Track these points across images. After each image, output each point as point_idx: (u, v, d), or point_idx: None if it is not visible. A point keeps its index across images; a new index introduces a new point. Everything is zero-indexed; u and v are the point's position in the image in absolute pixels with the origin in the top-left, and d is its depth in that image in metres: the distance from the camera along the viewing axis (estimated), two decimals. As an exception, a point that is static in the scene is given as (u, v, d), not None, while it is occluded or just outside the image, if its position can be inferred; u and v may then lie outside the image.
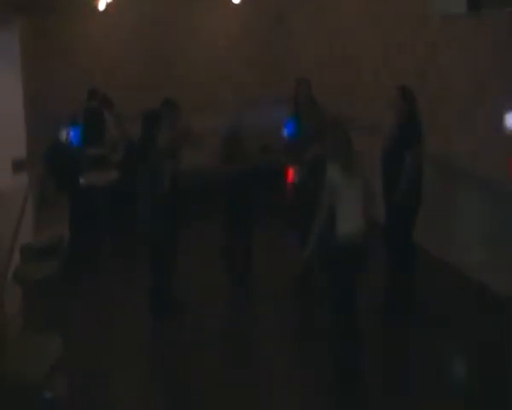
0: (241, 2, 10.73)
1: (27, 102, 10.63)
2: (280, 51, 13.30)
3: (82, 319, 7.83)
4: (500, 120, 7.64)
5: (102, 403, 6.28)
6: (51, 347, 5.74)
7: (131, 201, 10.03)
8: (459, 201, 8.48)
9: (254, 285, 8.50)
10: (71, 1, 10.67)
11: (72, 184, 9.79)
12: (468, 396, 6.09)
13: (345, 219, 6.02)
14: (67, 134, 10.78)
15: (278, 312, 7.82)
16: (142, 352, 7.22)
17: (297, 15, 13.09)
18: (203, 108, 12.30)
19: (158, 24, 12.86)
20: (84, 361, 6.88)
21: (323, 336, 6.82)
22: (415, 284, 7.56)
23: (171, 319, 7.56)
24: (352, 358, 6.29)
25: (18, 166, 9.40)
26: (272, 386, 6.43)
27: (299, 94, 8.23)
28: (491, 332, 7.06)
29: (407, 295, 7.50)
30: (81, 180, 9.67)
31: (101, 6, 11.32)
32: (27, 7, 10.34)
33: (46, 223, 9.64)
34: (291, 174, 8.33)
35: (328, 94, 10.11)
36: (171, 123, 7.45)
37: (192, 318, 7.68)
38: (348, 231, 6.02)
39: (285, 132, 9.02)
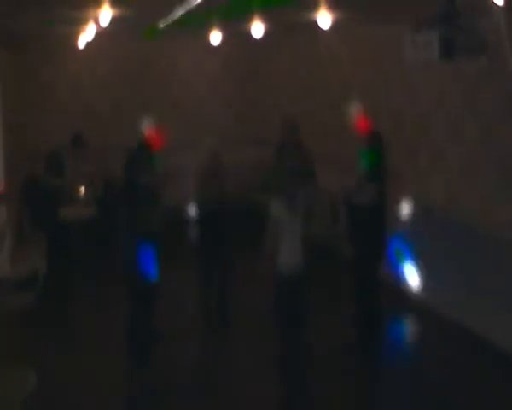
0: (221, 44, 10.91)
1: (5, 137, 10.69)
2: (257, 92, 13.50)
3: (55, 352, 7.78)
4: (475, 161, 7.91)
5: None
6: (24, 381, 5.74)
7: (108, 236, 10.17)
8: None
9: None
10: (51, 38, 10.77)
11: (49, 219, 9.79)
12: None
13: (285, 250, 6.39)
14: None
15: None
16: (114, 388, 7.18)
17: (275, 57, 13.33)
18: (180, 148, 12.43)
19: (137, 63, 13.05)
20: (56, 396, 6.86)
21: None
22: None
23: (147, 351, 7.55)
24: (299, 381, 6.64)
25: (-4, 198, 9.44)
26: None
27: (285, 134, 8.42)
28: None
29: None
30: (58, 215, 9.67)
31: (82, 44, 11.43)
32: (7, 43, 10.45)
33: (23, 256, 9.63)
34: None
35: (306, 134, 10.27)
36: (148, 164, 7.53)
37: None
38: (286, 262, 6.41)
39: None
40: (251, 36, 9.22)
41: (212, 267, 8.21)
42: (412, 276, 8.64)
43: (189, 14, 7.00)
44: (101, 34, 9.16)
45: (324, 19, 7.87)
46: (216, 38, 10.44)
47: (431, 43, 7.11)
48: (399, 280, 8.83)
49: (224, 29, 9.85)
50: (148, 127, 7.64)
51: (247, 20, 8.41)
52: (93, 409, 6.80)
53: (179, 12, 6.87)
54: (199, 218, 8.19)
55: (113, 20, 7.43)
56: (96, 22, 7.81)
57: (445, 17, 7.28)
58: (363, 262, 7.51)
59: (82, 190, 10.35)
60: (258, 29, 8.87)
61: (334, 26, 8.45)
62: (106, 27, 7.86)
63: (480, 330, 7.71)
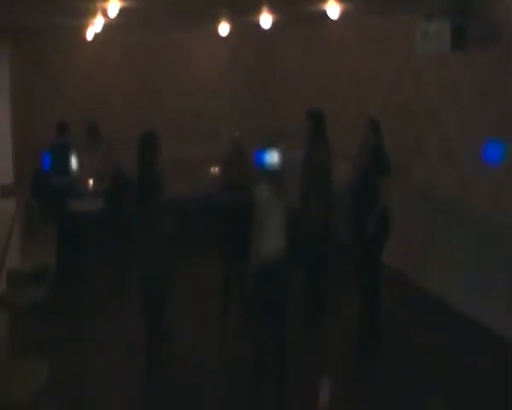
0: (229, 35, 10.89)
1: (15, 129, 10.70)
2: (266, 84, 13.47)
3: (67, 346, 7.81)
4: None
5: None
6: (36, 373, 5.75)
7: (117, 229, 10.16)
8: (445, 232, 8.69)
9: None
10: (59, 30, 10.76)
11: (58, 211, 9.80)
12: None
13: (267, 237, 6.46)
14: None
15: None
16: (128, 380, 7.21)
17: (285, 48, 13.29)
18: (189, 138, 12.47)
19: (146, 54, 13.02)
20: (68, 388, 6.90)
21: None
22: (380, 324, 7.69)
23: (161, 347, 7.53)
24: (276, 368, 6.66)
25: (6, 191, 9.45)
26: None
27: (310, 127, 8.22)
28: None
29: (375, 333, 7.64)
30: (67, 207, 9.68)
31: (90, 36, 11.42)
32: (15, 34, 10.45)
33: (33, 249, 9.67)
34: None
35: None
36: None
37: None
38: (267, 249, 6.46)
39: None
40: (260, 27, 9.21)
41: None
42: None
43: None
44: (110, 26, 9.16)
45: (333, 9, 7.85)
46: (224, 29, 10.43)
47: (442, 34, 7.07)
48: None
49: (232, 20, 9.84)
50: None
51: (256, 10, 8.40)
52: (105, 401, 6.83)
53: None
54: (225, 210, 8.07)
55: (122, 12, 7.42)
56: (105, 14, 7.79)
57: (457, 7, 7.23)
58: (364, 249, 7.51)
59: (91, 182, 10.34)
60: (266, 20, 8.85)
61: (344, 16, 8.44)
62: (114, 19, 7.86)
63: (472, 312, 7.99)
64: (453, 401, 6.56)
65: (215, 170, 9.92)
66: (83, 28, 10.36)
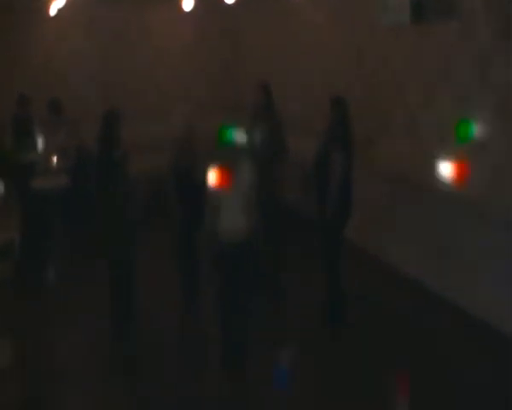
0: (193, 10, 10.84)
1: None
2: (230, 59, 13.46)
3: (32, 322, 7.80)
4: (448, 127, 7.99)
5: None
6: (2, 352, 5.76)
7: (81, 206, 10.10)
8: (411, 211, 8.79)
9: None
10: (22, 5, 10.61)
11: (21, 188, 9.72)
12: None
13: (224, 217, 6.47)
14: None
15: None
16: (95, 353, 7.26)
17: (248, 24, 13.26)
18: (152, 115, 12.40)
19: (109, 30, 12.89)
20: (35, 364, 6.91)
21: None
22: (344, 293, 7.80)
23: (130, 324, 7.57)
24: (238, 347, 6.73)
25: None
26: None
27: (257, 98, 8.38)
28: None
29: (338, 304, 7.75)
30: (31, 184, 9.61)
31: (52, 11, 11.30)
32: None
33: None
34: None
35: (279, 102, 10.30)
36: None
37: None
38: (229, 227, 6.48)
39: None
40: (224, 2, 9.19)
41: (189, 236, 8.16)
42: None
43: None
44: (72, 1, 9.06)
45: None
46: (188, 4, 10.38)
47: (402, 7, 7.14)
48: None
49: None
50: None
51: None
52: (72, 377, 6.85)
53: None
54: (175, 187, 8.04)
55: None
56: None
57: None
58: (329, 225, 7.55)
59: (54, 159, 10.25)
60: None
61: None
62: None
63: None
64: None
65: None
66: (45, 4, 10.22)
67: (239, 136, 6.59)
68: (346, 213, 7.59)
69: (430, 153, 8.33)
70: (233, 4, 9.53)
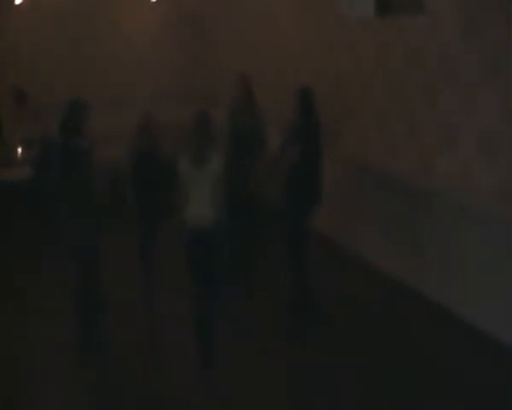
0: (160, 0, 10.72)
1: None
2: (197, 50, 13.34)
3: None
4: (415, 119, 8.01)
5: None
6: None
7: (44, 198, 9.96)
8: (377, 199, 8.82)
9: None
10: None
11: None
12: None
13: (190, 204, 6.56)
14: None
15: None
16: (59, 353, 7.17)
17: (215, 14, 13.16)
18: (119, 105, 12.25)
19: (77, 18, 12.69)
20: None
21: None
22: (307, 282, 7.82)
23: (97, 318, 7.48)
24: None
25: None
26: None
27: (237, 92, 8.35)
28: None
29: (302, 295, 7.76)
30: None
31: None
32: None
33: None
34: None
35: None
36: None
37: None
38: (190, 215, 6.56)
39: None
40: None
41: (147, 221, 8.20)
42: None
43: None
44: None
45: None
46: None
47: (366, 0, 7.12)
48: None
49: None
50: None
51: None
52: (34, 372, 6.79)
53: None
54: (133, 172, 8.04)
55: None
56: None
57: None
58: (294, 217, 7.58)
59: (19, 150, 10.10)
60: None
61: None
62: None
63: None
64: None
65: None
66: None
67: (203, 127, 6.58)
68: (310, 203, 7.60)
69: (397, 141, 8.40)
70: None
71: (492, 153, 7.02)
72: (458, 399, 6.18)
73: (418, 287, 8.05)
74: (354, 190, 9.16)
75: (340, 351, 7.02)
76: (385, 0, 7.04)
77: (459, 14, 7.21)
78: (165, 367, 6.89)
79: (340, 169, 9.28)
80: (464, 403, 6.12)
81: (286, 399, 6.36)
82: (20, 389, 6.50)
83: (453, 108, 7.46)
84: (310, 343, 7.24)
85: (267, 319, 7.68)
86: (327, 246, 9.41)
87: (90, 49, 12.74)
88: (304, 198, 7.55)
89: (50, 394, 6.49)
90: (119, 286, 8.24)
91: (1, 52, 12.25)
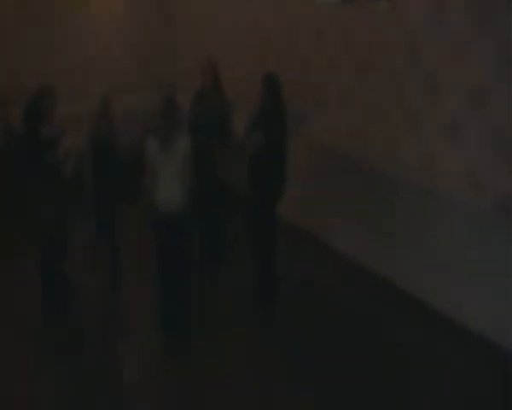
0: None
1: None
2: (161, 36, 13.20)
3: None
4: (380, 105, 8.06)
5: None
6: None
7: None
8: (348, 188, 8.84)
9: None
10: None
11: None
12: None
13: (159, 188, 6.63)
14: None
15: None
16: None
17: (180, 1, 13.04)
18: (80, 93, 12.04)
19: (38, 4, 12.42)
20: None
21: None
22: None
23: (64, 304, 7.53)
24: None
25: None
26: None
27: (204, 79, 8.30)
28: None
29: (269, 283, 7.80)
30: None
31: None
32: None
33: None
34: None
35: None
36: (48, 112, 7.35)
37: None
38: (160, 199, 6.62)
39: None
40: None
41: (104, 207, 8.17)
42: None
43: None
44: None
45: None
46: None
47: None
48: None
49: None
50: None
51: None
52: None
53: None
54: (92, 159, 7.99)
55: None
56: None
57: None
58: (261, 204, 7.60)
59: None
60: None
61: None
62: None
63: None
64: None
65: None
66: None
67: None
68: (275, 189, 7.61)
69: (362, 127, 8.46)
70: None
71: (457, 139, 7.12)
72: (423, 382, 6.35)
73: (387, 273, 8.13)
74: (320, 177, 9.18)
75: (309, 339, 7.09)
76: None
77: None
78: (127, 354, 6.95)
79: (306, 155, 9.29)
80: (426, 386, 6.28)
81: (251, 385, 6.39)
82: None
83: (418, 94, 7.54)
84: (276, 330, 7.32)
85: (234, 305, 7.74)
86: (294, 233, 9.42)
87: (53, 34, 12.48)
88: (269, 184, 7.56)
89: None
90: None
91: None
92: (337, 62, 8.79)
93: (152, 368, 6.64)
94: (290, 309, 7.66)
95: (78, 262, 8.24)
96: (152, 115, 10.03)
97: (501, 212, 6.68)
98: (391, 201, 8.00)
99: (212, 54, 10.66)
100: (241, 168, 8.02)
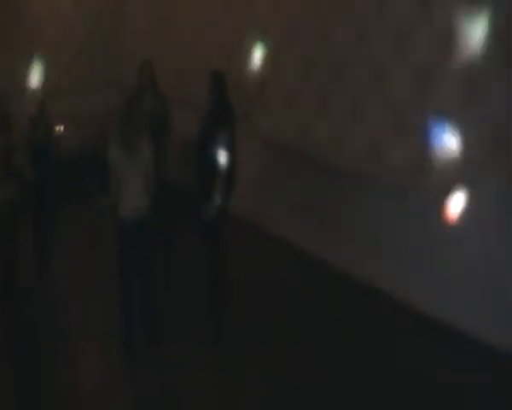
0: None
1: None
2: (112, 34, 13.03)
3: None
4: (324, 100, 8.05)
5: None
6: None
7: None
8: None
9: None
10: None
11: None
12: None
13: (124, 196, 6.51)
14: None
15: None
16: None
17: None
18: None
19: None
20: None
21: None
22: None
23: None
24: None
25: None
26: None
27: (140, 75, 8.35)
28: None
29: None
30: None
31: None
32: None
33: None
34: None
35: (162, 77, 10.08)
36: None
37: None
38: (126, 206, 6.52)
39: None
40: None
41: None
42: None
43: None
44: None
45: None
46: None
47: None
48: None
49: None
50: None
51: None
52: None
53: None
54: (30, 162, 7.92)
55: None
56: None
57: None
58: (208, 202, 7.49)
59: None
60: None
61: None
62: None
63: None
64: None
65: (60, 128, 9.70)
66: None
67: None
68: (230, 188, 7.55)
69: (307, 120, 8.45)
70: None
71: (401, 127, 7.12)
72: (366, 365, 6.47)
73: (333, 260, 8.17)
74: (268, 170, 9.22)
75: (259, 330, 7.15)
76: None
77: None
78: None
79: (253, 151, 9.24)
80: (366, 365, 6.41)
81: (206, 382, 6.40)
82: None
83: (362, 82, 7.52)
84: (228, 323, 7.37)
85: (188, 300, 7.76)
86: (242, 227, 9.37)
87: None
88: (228, 183, 7.49)
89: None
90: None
91: None
92: (282, 55, 8.74)
93: (112, 374, 6.58)
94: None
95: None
96: (105, 117, 9.99)
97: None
98: (336, 190, 7.97)
99: (161, 53, 10.66)
100: (187, 167, 7.96)
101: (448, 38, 6.46)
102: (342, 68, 7.80)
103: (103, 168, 6.60)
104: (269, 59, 9.03)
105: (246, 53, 9.42)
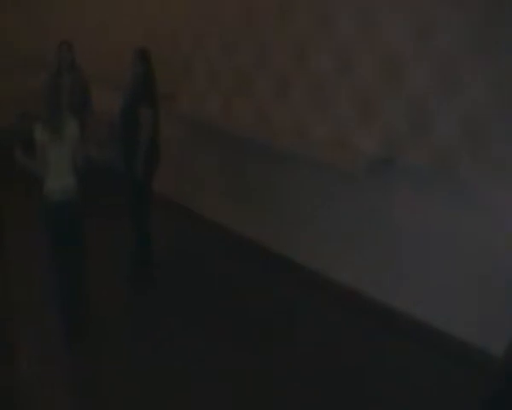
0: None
1: None
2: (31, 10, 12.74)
3: None
4: (247, 75, 8.08)
5: None
6: None
7: None
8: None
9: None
10: None
11: None
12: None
13: (52, 176, 6.42)
14: None
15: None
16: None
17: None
18: None
19: None
20: None
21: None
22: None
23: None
24: (73, 314, 6.79)
25: None
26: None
27: (59, 56, 8.58)
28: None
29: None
30: None
31: None
32: None
33: None
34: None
35: (88, 58, 9.94)
36: None
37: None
38: (54, 187, 6.42)
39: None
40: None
41: None
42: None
43: None
44: None
45: None
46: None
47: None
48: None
49: None
50: None
51: None
52: None
53: None
54: None
55: None
56: None
57: None
58: (139, 180, 7.51)
59: None
60: None
61: None
62: None
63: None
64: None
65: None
66: None
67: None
68: (154, 166, 7.58)
69: (231, 98, 8.48)
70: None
71: (323, 104, 7.21)
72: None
73: (260, 239, 8.28)
74: (192, 149, 9.24)
75: (183, 310, 7.16)
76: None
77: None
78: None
79: (176, 128, 9.33)
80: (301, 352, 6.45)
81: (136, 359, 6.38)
82: None
83: (285, 61, 7.58)
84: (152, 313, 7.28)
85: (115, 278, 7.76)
86: (167, 206, 9.47)
87: None
88: (153, 162, 7.53)
89: None
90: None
91: None
92: (206, 35, 8.75)
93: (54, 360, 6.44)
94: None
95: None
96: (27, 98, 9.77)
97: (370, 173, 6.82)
98: (262, 168, 8.04)
99: (84, 29, 10.49)
100: (112, 143, 7.89)
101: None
102: (264, 48, 7.83)
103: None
104: (192, 35, 9.00)
105: (170, 30, 9.38)
